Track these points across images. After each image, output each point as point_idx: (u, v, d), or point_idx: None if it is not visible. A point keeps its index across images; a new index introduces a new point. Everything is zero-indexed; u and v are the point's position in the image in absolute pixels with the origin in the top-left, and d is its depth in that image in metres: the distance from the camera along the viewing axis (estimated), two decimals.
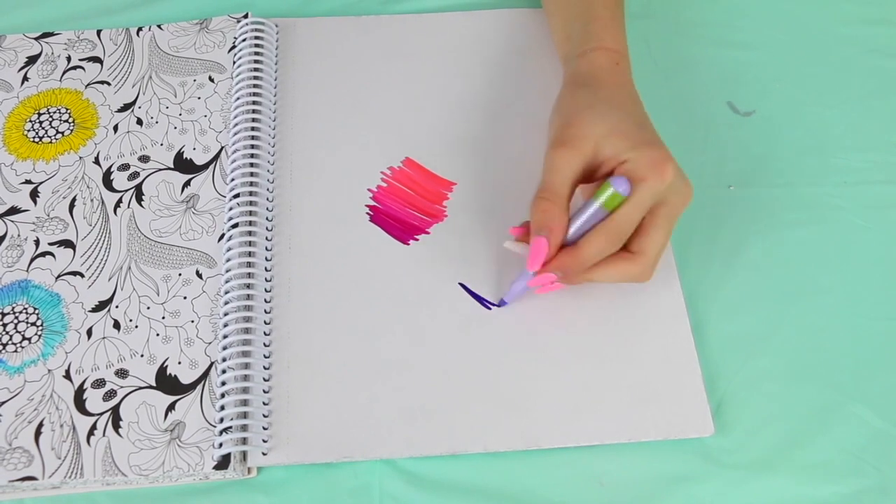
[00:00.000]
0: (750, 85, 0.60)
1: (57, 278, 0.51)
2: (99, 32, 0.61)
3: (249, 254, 0.51)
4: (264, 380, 0.48)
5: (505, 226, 0.50)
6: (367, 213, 0.54)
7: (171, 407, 0.47)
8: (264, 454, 0.46)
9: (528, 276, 0.47)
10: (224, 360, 0.48)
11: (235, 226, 0.52)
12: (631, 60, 0.52)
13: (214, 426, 0.46)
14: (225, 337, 0.48)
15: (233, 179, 0.53)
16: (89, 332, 0.49)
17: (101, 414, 0.47)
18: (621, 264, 0.46)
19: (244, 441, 0.46)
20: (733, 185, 0.56)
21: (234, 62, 0.59)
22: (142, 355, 0.49)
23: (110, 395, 0.47)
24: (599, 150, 0.45)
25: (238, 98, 0.57)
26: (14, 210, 0.54)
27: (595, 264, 0.46)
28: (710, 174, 0.56)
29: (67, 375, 0.48)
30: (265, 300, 0.50)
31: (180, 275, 0.51)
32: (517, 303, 0.50)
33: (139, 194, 0.54)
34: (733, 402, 0.48)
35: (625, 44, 0.52)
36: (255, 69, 0.58)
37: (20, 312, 0.50)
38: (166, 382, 0.48)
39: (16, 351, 0.49)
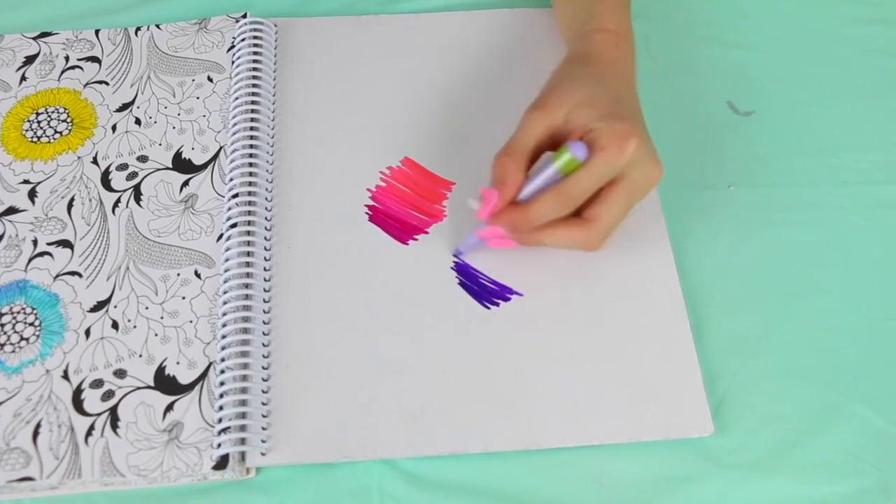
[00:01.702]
0: (750, 85, 0.60)
1: (55, 278, 0.51)
2: (97, 32, 0.61)
3: (248, 254, 0.51)
4: (263, 380, 0.48)
5: None
6: (367, 213, 0.54)
7: (170, 407, 0.47)
8: (263, 454, 0.46)
9: (480, 228, 0.49)
10: (223, 360, 0.47)
11: (234, 226, 0.52)
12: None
13: (213, 426, 0.46)
14: (223, 337, 0.48)
15: (231, 179, 0.53)
16: (87, 333, 0.49)
17: (100, 414, 0.47)
18: (570, 229, 0.47)
19: (243, 441, 0.45)
20: (733, 185, 0.56)
21: (233, 62, 0.59)
22: (140, 355, 0.48)
23: (108, 395, 0.47)
24: (571, 118, 0.46)
25: (237, 98, 0.56)
26: (12, 210, 0.53)
27: (545, 226, 0.46)
28: (710, 174, 0.56)
29: (65, 376, 0.48)
30: (264, 300, 0.50)
31: (179, 275, 0.51)
32: (516, 303, 0.50)
33: (137, 194, 0.54)
34: (733, 402, 0.48)
35: (628, 27, 0.52)
36: (254, 69, 0.58)
37: (18, 312, 0.50)
38: (165, 382, 0.48)
39: (14, 351, 0.49)
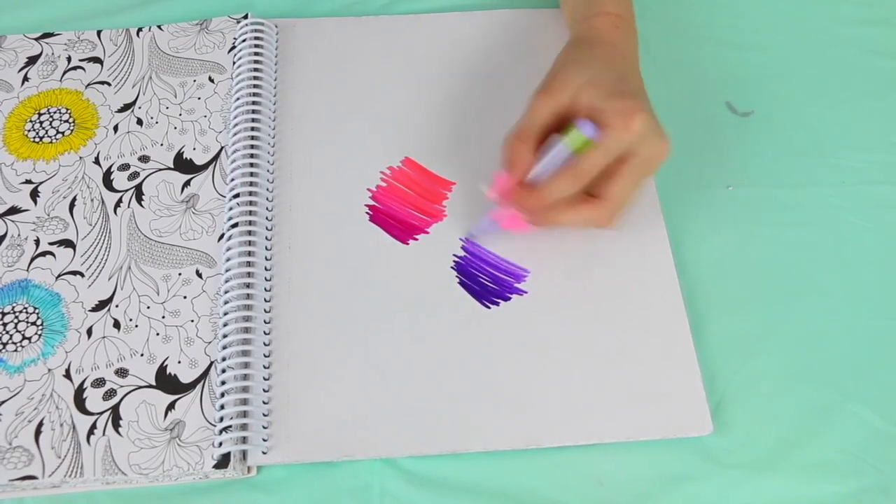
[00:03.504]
0: (749, 85, 0.60)
1: (57, 278, 0.51)
2: (99, 33, 0.61)
3: (249, 253, 0.51)
4: (264, 379, 0.48)
5: None
6: (367, 213, 0.54)
7: (171, 406, 0.47)
8: (264, 453, 0.46)
9: (493, 211, 0.50)
10: (224, 359, 0.48)
11: (235, 225, 0.52)
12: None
13: (214, 425, 0.46)
14: (225, 336, 0.48)
15: (232, 179, 0.53)
16: (89, 332, 0.49)
17: (101, 413, 0.47)
18: (583, 207, 0.47)
19: (244, 440, 0.46)
20: (732, 185, 0.56)
21: (234, 63, 0.59)
22: (142, 354, 0.49)
23: (110, 394, 0.47)
24: (577, 99, 0.47)
25: (238, 98, 0.57)
26: (14, 210, 0.54)
27: (559, 206, 0.47)
28: (708, 174, 0.56)
29: (67, 375, 0.48)
30: (265, 300, 0.50)
31: (180, 274, 0.51)
32: (516, 302, 0.50)
33: (139, 194, 0.54)
34: (732, 402, 0.48)
35: (629, 10, 0.53)
36: (255, 69, 0.58)
37: (20, 312, 0.50)
38: (166, 381, 0.48)
39: (16, 350, 0.49)
